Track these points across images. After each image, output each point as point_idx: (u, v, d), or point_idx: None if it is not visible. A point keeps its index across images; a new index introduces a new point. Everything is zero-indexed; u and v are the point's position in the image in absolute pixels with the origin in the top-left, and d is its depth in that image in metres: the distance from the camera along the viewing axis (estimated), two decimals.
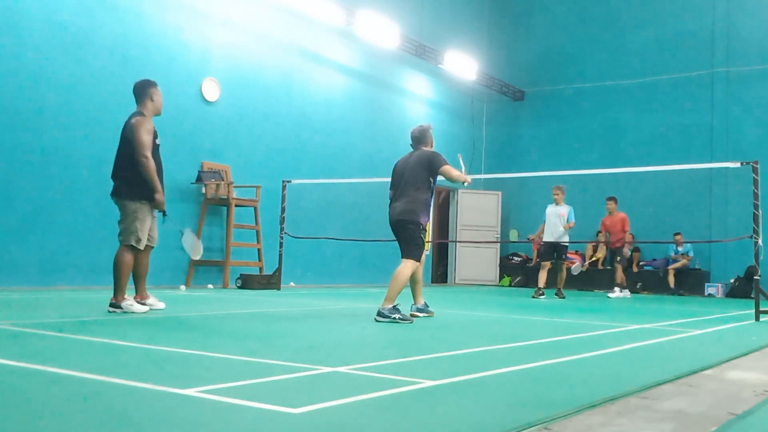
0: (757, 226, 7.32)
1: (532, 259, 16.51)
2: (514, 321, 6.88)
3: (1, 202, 8.38)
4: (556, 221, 11.34)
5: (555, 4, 17.67)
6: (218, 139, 10.99)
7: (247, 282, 10.42)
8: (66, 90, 9.01)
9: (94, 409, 2.43)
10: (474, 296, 11.47)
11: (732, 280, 14.25)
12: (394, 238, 6.24)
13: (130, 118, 5.92)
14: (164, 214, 6.08)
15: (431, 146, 6.47)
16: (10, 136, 8.47)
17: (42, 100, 8.77)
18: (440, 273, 17.19)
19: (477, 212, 16.67)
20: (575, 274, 13.34)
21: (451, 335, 5.28)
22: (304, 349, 4.19)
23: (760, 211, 7.31)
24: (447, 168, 6.16)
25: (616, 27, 16.72)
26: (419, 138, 6.40)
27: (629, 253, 13.93)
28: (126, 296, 5.82)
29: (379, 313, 5.77)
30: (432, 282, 16.33)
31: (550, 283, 11.73)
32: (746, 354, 4.55)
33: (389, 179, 6.43)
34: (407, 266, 5.96)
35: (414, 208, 6.05)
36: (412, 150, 6.43)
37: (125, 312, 5.73)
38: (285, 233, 10.53)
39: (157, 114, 6.08)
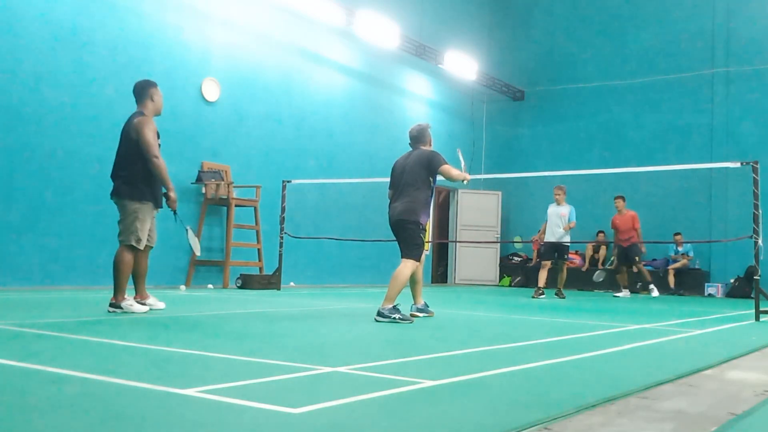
0: (757, 226, 7.32)
1: (532, 259, 16.51)
2: (514, 321, 6.88)
3: (1, 202, 8.38)
4: (557, 221, 11.35)
5: (555, 4, 17.67)
6: (218, 139, 10.99)
7: (247, 282, 10.42)
8: (66, 90, 9.01)
9: (94, 409, 2.43)
10: (474, 296, 11.47)
11: (732, 280, 14.25)
12: (394, 238, 6.24)
13: (131, 118, 5.91)
14: (175, 213, 6.09)
15: (430, 145, 6.47)
16: (10, 136, 8.47)
17: (42, 100, 8.77)
18: (440, 273, 17.19)
19: (477, 212, 16.67)
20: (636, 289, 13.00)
21: (451, 335, 5.28)
22: (304, 349, 4.19)
23: (760, 211, 7.31)
24: (446, 167, 6.16)
25: (616, 27, 16.72)
26: (418, 137, 6.40)
27: (645, 249, 13.93)
28: (126, 296, 5.82)
29: (379, 313, 5.77)
30: (432, 282, 16.33)
31: (550, 283, 11.74)
32: (746, 354, 4.55)
33: (389, 179, 6.43)
34: (407, 266, 5.96)
35: (414, 207, 6.05)
36: (410, 149, 6.43)
37: (125, 312, 5.72)
38: (285, 233, 10.53)
39: (157, 114, 6.08)
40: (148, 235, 5.94)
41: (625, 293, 12.76)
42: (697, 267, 15.07)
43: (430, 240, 15.07)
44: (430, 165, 6.14)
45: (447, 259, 17.13)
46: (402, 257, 6.05)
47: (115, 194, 5.86)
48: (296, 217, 11.46)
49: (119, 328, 4.77)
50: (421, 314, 6.34)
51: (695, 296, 14.18)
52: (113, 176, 5.92)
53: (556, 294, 11.52)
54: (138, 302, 5.96)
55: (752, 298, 7.63)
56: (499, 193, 16.99)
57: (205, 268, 10.73)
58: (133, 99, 6.04)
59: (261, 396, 2.64)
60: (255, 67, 11.68)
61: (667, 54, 15.98)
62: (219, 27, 11.08)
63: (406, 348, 4.42)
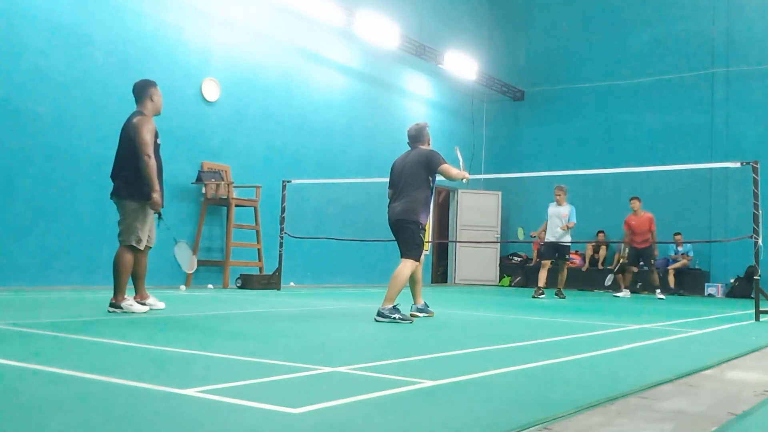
0: (757, 226, 7.32)
1: (532, 259, 16.52)
2: (514, 321, 6.88)
3: (2, 202, 8.38)
4: (558, 221, 11.35)
5: (555, 4, 17.67)
6: (218, 139, 10.99)
7: (247, 282, 10.42)
8: (66, 90, 9.00)
9: (94, 409, 2.43)
10: (474, 296, 11.47)
11: (732, 280, 14.25)
12: (394, 238, 6.24)
13: (130, 117, 5.91)
14: (159, 216, 6.05)
15: (428, 144, 6.46)
16: (10, 136, 8.47)
17: (42, 100, 8.77)
18: (440, 273, 17.19)
19: (477, 212, 16.67)
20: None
21: (451, 335, 5.28)
22: (304, 349, 4.18)
23: (760, 211, 7.31)
24: (445, 167, 6.16)
25: (616, 27, 16.72)
26: (416, 136, 6.39)
27: (658, 252, 13.94)
28: (126, 296, 5.82)
29: (379, 313, 5.77)
30: (432, 282, 16.33)
31: (550, 282, 11.74)
32: (746, 354, 4.55)
33: (388, 179, 6.43)
34: (407, 266, 5.96)
35: (413, 207, 6.05)
36: (409, 149, 6.43)
37: (125, 312, 5.72)
38: (285, 233, 10.53)
39: (157, 114, 6.08)
40: (148, 235, 5.94)
41: (625, 293, 12.76)
42: (697, 267, 15.07)
43: (429, 240, 15.07)
44: (429, 164, 6.14)
45: (447, 259, 17.13)
46: (402, 257, 6.04)
47: (115, 194, 5.86)
48: (296, 217, 11.46)
49: (119, 328, 4.77)
50: (421, 314, 6.34)
51: (695, 296, 14.18)
52: (113, 176, 5.92)
53: (556, 294, 11.52)
54: (138, 302, 5.96)
55: (752, 298, 7.63)
56: (499, 193, 16.99)
57: (205, 268, 10.73)
58: (133, 99, 6.04)
59: (261, 396, 2.64)
60: (255, 67, 11.68)
61: (667, 54, 15.98)
62: (219, 27, 11.08)
63: (406, 348, 4.42)
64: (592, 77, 16.82)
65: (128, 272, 5.80)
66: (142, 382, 2.81)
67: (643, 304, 10.69)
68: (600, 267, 15.68)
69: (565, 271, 11.70)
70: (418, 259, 6.07)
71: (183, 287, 9.87)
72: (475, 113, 17.53)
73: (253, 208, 10.94)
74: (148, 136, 5.74)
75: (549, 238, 11.37)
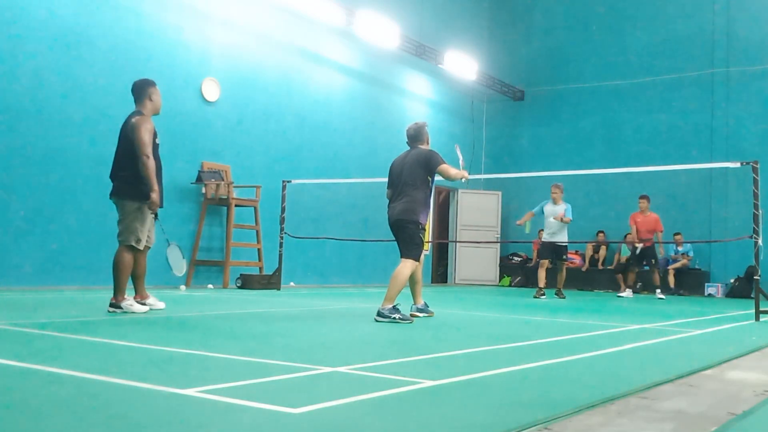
0: (757, 226, 7.32)
1: (532, 259, 16.51)
2: (514, 321, 6.88)
3: (1, 202, 8.38)
4: (554, 221, 11.32)
5: (555, 3, 17.66)
6: (218, 139, 10.99)
7: (247, 282, 10.42)
8: (66, 90, 9.00)
9: (94, 409, 2.43)
10: (474, 296, 11.47)
11: (732, 280, 14.24)
12: (394, 238, 6.24)
13: (129, 117, 5.91)
14: (156, 216, 6.04)
15: (427, 144, 6.46)
16: (10, 136, 8.47)
17: (42, 100, 8.77)
18: (440, 273, 17.18)
19: (477, 212, 16.67)
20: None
21: (451, 335, 5.28)
22: (304, 349, 4.18)
23: (760, 211, 7.31)
24: (445, 167, 6.16)
25: (616, 27, 16.72)
26: (415, 136, 6.39)
27: (664, 252, 13.93)
28: (126, 296, 5.82)
29: (379, 313, 5.77)
30: (432, 282, 16.33)
31: (550, 283, 11.73)
32: (746, 354, 4.55)
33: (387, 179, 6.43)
34: (406, 266, 5.96)
35: (413, 207, 6.05)
36: (408, 148, 6.42)
37: (125, 312, 5.73)
38: (285, 233, 10.53)
39: (156, 113, 6.08)
40: (147, 235, 5.94)
41: (627, 293, 12.77)
42: (697, 267, 15.07)
43: (429, 240, 15.07)
44: (429, 164, 6.13)
45: (447, 259, 17.12)
46: (401, 257, 6.04)
47: (115, 194, 5.86)
48: (296, 217, 11.46)
49: (119, 328, 4.77)
50: (421, 314, 6.34)
51: (695, 296, 14.18)
52: (113, 176, 5.91)
53: (556, 294, 11.52)
54: (138, 302, 5.96)
55: (752, 298, 7.63)
56: (499, 193, 16.99)
57: (205, 268, 10.73)
58: (133, 99, 6.04)
59: (261, 396, 2.64)
60: (255, 67, 11.68)
61: (667, 54, 15.98)
62: (219, 27, 11.08)
63: (406, 348, 4.42)
64: (592, 77, 16.81)
65: (128, 272, 5.80)
66: (142, 382, 2.81)
67: (642, 304, 10.69)
68: (600, 267, 15.67)
69: (564, 271, 11.69)
70: (417, 259, 6.07)
71: (183, 287, 9.86)
72: (475, 113, 17.52)
73: (253, 208, 10.94)
74: (146, 136, 5.74)
75: (546, 238, 11.36)
